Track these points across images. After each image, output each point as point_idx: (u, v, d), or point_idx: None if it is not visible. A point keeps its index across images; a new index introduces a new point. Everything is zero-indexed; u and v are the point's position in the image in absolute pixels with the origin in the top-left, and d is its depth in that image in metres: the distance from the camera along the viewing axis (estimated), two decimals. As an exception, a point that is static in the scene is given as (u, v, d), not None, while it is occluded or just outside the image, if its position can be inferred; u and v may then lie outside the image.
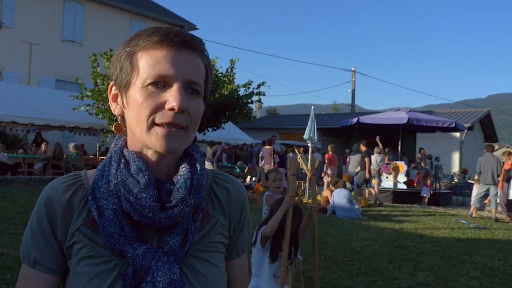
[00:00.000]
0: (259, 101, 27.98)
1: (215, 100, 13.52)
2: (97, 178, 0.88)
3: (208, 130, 15.32)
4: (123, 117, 0.91)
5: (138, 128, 0.85)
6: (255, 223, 3.24)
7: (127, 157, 0.89)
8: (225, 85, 13.86)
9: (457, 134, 20.59)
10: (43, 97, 14.59)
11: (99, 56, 13.68)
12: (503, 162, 10.68)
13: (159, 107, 0.83)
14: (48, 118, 13.65)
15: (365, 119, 14.42)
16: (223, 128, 16.03)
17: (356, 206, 9.78)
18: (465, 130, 17.99)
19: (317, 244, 3.39)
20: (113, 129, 0.94)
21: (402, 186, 13.31)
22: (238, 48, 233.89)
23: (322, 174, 13.55)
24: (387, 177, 13.41)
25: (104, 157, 0.90)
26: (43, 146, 14.26)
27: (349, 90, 29.73)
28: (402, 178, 13.36)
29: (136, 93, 0.85)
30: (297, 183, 12.19)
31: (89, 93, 13.55)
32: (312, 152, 12.15)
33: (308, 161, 11.01)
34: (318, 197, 10.54)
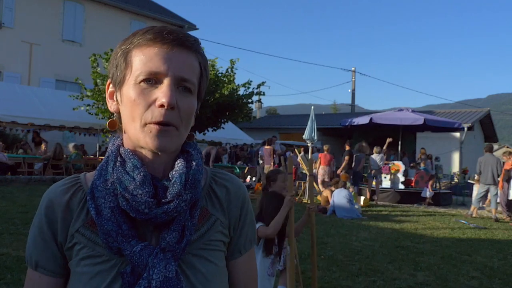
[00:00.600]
0: (259, 101, 28.02)
1: (215, 100, 13.51)
2: (96, 178, 0.89)
3: (208, 130, 15.32)
4: (119, 114, 0.92)
5: (132, 125, 0.86)
6: (255, 222, 3.24)
7: (123, 155, 0.89)
8: (225, 85, 13.86)
9: (457, 134, 20.58)
10: (43, 97, 14.61)
11: (99, 56, 13.70)
12: (503, 162, 10.70)
13: (151, 104, 0.84)
14: (48, 118, 13.67)
15: (378, 119, 13.94)
16: (223, 128, 16.03)
17: (356, 206, 9.79)
18: (465, 130, 17.96)
19: (316, 244, 3.39)
20: (107, 125, 0.94)
21: (400, 186, 13.30)
22: (238, 48, 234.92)
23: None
24: (385, 177, 13.41)
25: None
26: (43, 146, 14.27)
27: (349, 90, 29.74)
28: (400, 178, 13.37)
29: (129, 89, 0.86)
30: (296, 183, 12.21)
31: (89, 93, 13.57)
32: (312, 152, 12.15)
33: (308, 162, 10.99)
34: (318, 197, 10.54)
